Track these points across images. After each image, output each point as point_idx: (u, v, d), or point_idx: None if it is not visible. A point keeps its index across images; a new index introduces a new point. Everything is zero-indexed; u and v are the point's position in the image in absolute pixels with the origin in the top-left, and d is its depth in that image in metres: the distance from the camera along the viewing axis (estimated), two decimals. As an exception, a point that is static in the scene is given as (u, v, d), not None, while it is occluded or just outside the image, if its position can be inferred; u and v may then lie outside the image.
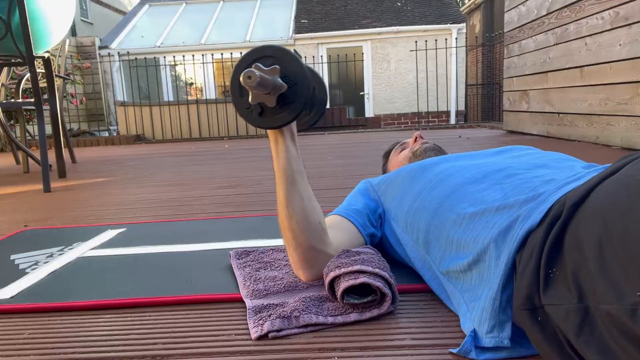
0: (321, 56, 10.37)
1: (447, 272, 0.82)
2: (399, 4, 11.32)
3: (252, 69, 0.79)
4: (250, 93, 0.83)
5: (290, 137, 0.91)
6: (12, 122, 5.98)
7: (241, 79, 0.79)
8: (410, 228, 0.95)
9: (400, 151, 1.38)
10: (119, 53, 9.92)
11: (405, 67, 10.26)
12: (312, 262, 0.92)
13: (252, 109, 0.86)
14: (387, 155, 1.45)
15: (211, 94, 10.32)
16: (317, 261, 0.92)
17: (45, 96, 3.21)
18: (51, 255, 1.29)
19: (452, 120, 9.96)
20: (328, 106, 10.12)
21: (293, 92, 0.84)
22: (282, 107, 0.85)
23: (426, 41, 8.72)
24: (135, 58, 8.54)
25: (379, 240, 1.09)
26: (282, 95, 0.84)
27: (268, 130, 0.90)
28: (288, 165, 0.90)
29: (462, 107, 10.33)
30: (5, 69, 3.81)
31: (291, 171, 0.90)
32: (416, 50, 8.83)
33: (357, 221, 1.04)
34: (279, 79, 0.83)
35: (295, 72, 0.84)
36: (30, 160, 3.55)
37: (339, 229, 1.01)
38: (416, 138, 1.37)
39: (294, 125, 0.92)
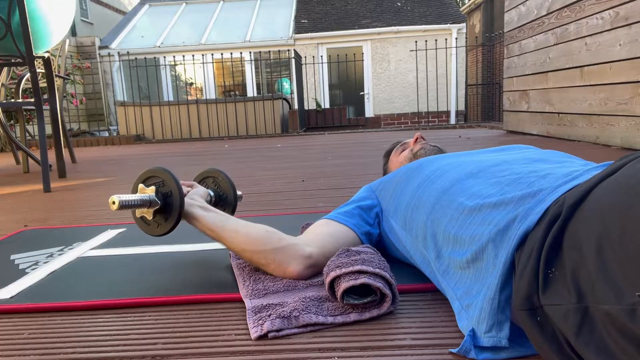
0: (321, 56, 10.38)
1: (441, 268, 0.82)
2: (399, 4, 11.32)
3: (113, 196, 0.96)
4: (147, 216, 1.03)
5: (200, 209, 1.04)
6: (12, 122, 5.98)
7: (109, 202, 0.97)
8: (408, 224, 0.95)
9: (401, 151, 1.39)
10: (119, 53, 9.92)
11: (405, 67, 10.26)
12: (286, 258, 0.96)
13: (158, 224, 1.04)
14: (387, 155, 1.45)
15: (211, 94, 10.32)
16: (290, 255, 0.96)
17: (45, 96, 3.21)
18: (51, 255, 1.29)
19: (452, 120, 9.96)
20: (328, 106, 10.10)
21: (167, 204, 1.02)
22: (170, 205, 1.02)
23: (426, 41, 8.73)
24: (135, 58, 8.54)
25: (379, 238, 1.09)
26: (159, 209, 1.02)
27: (184, 221, 1.05)
28: (212, 223, 1.02)
29: (462, 107, 10.34)
30: (5, 69, 3.81)
31: (216, 224, 1.02)
32: (416, 50, 8.83)
33: (346, 221, 1.06)
34: (153, 197, 1.00)
35: (169, 186, 1.02)
36: (30, 160, 3.55)
37: (316, 226, 1.06)
38: (417, 139, 1.37)
39: (199, 202, 1.06)
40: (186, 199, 1.04)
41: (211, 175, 1.28)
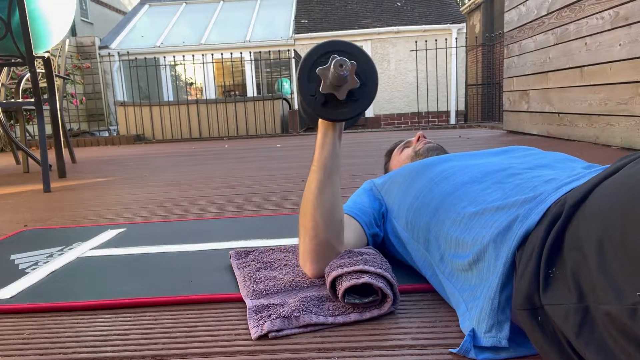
0: (321, 56, 10.35)
1: (446, 271, 0.82)
2: (399, 4, 11.32)
3: (344, 59, 0.80)
4: (322, 82, 0.84)
5: (339, 133, 0.93)
6: (12, 122, 5.98)
7: (332, 67, 0.80)
8: (411, 226, 0.95)
9: (403, 150, 1.38)
10: (119, 53, 9.92)
11: (405, 67, 10.26)
12: (323, 256, 0.93)
13: (317, 97, 0.86)
14: (389, 154, 1.45)
15: (211, 94, 10.31)
16: (327, 256, 0.92)
17: (45, 96, 3.21)
18: (51, 255, 1.29)
19: (452, 120, 9.96)
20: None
21: (361, 91, 0.86)
22: (347, 103, 0.87)
23: (426, 41, 8.72)
24: (135, 58, 8.54)
25: (382, 239, 1.09)
26: (351, 92, 0.86)
27: (321, 121, 0.91)
28: (330, 159, 0.91)
29: (462, 107, 10.33)
30: (5, 69, 3.81)
31: (331, 165, 0.92)
32: (416, 50, 8.83)
33: (363, 220, 1.05)
34: (354, 76, 0.84)
35: (367, 72, 0.86)
36: (30, 160, 3.55)
37: (348, 228, 1.02)
38: (419, 137, 1.37)
39: (343, 123, 0.93)
40: None
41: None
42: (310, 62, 0.86)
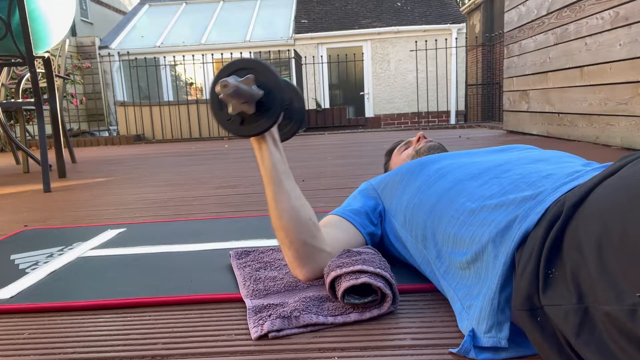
0: (321, 56, 10.37)
1: (441, 268, 0.82)
2: (399, 4, 11.32)
3: (226, 79, 0.84)
4: (229, 105, 0.88)
5: (272, 141, 0.95)
6: (12, 122, 5.98)
7: (217, 88, 0.85)
8: (409, 224, 0.95)
9: (404, 150, 1.38)
10: (119, 53, 9.92)
11: (405, 67, 10.26)
12: (307, 259, 0.93)
13: (233, 120, 0.91)
14: (389, 153, 1.45)
15: (211, 94, 10.30)
16: (312, 258, 0.92)
17: (45, 96, 3.21)
18: (51, 255, 1.29)
19: (452, 120, 9.96)
20: (328, 106, 10.09)
21: (269, 98, 0.89)
22: (261, 114, 0.89)
23: (426, 41, 8.73)
24: (135, 58, 8.54)
25: (380, 238, 1.09)
26: (260, 103, 0.89)
27: (251, 138, 0.94)
28: (273, 168, 0.93)
29: (462, 107, 10.34)
30: (5, 69, 3.81)
31: (277, 173, 0.93)
32: (416, 50, 8.83)
33: (355, 220, 1.04)
34: (255, 87, 0.88)
35: (268, 80, 0.89)
36: (30, 160, 3.55)
37: (334, 227, 1.02)
38: (419, 138, 1.37)
39: (275, 131, 0.96)
40: None
41: (289, 92, 1.01)
42: (214, 93, 0.89)
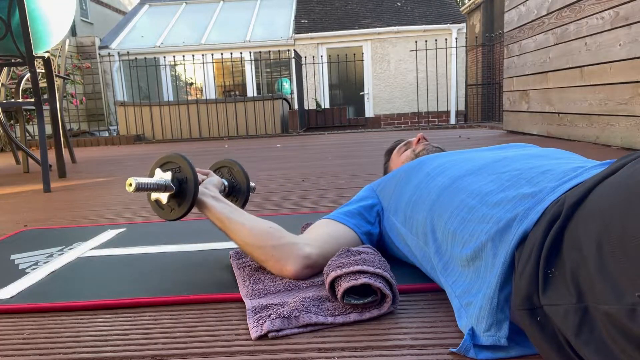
0: (321, 56, 10.37)
1: (439, 265, 0.82)
2: (399, 4, 11.32)
3: (130, 178, 0.97)
4: (161, 200, 1.05)
5: (212, 199, 1.05)
6: (12, 122, 5.98)
7: (126, 184, 0.98)
8: (409, 221, 0.95)
9: (404, 151, 1.38)
10: (119, 53, 9.92)
11: (405, 67, 10.26)
12: (284, 256, 0.96)
13: (172, 208, 1.05)
14: (389, 153, 1.45)
15: (211, 94, 10.32)
16: (288, 253, 0.96)
17: (45, 96, 3.21)
18: (51, 255, 1.29)
19: (452, 120, 9.96)
20: (328, 106, 10.08)
21: (182, 190, 1.03)
22: (184, 190, 1.03)
23: (426, 41, 8.72)
24: (135, 58, 8.54)
25: (379, 237, 1.09)
26: (173, 194, 1.04)
27: (196, 209, 1.06)
28: (220, 214, 1.03)
29: (462, 107, 10.34)
30: (5, 69, 3.81)
31: (224, 215, 1.02)
32: (416, 50, 8.83)
33: (347, 221, 1.06)
34: (169, 182, 1.02)
35: (186, 172, 1.04)
36: (30, 160, 3.55)
37: (317, 226, 1.06)
38: (419, 139, 1.37)
39: (212, 192, 1.08)
40: (200, 187, 1.06)
41: (226, 166, 1.31)
42: (148, 199, 1.08)
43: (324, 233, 1.02)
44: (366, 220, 1.07)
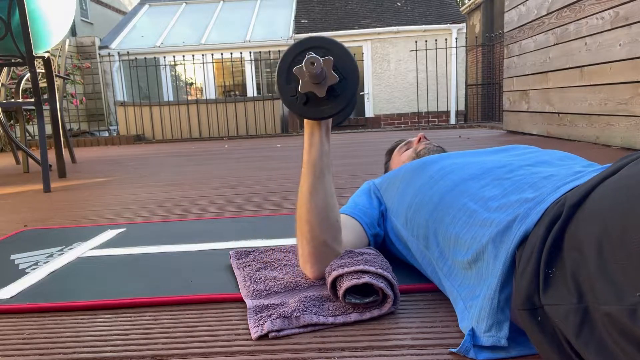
0: (321, 56, 10.35)
1: (444, 268, 0.82)
2: (399, 4, 11.32)
3: (316, 56, 0.77)
4: (300, 81, 0.82)
5: (325, 131, 0.91)
6: (12, 122, 5.98)
7: (304, 64, 0.78)
8: (410, 224, 0.95)
9: (405, 150, 1.38)
10: (119, 53, 9.91)
11: (405, 67, 10.25)
12: (322, 258, 0.92)
13: (298, 97, 0.85)
14: (390, 153, 1.45)
15: (211, 94, 10.31)
16: (326, 258, 0.92)
17: (45, 96, 3.21)
18: (51, 255, 1.29)
19: (452, 120, 9.96)
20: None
21: (342, 85, 0.84)
22: (328, 99, 0.84)
23: (426, 41, 8.72)
24: (135, 58, 8.54)
25: (382, 239, 1.09)
26: (331, 88, 0.83)
27: (306, 121, 0.89)
28: (319, 159, 0.90)
29: (462, 107, 10.33)
30: (5, 69, 3.81)
31: (321, 165, 0.90)
32: (416, 50, 8.83)
33: (364, 221, 1.04)
34: (333, 72, 0.82)
35: (346, 66, 0.84)
36: (30, 160, 3.55)
37: (347, 228, 1.01)
38: (420, 138, 1.37)
39: (330, 121, 0.91)
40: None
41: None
42: (287, 63, 0.84)
43: (353, 244, 0.98)
44: (376, 222, 1.07)
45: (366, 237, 1.03)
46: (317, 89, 0.82)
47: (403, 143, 1.42)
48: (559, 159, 0.90)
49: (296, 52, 0.85)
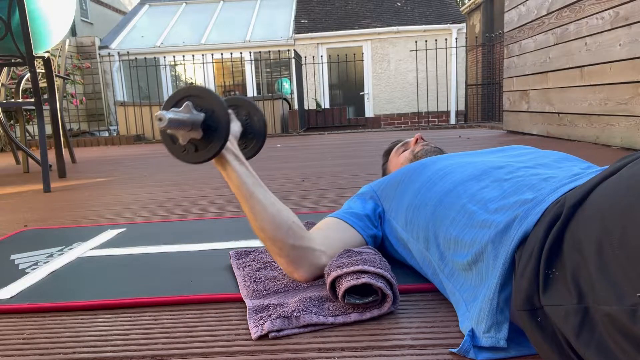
0: (321, 56, 10.37)
1: (446, 270, 0.82)
2: (399, 4, 11.32)
3: (160, 112, 0.83)
4: (178, 136, 0.89)
5: (234, 157, 0.93)
6: (12, 122, 5.98)
7: (156, 124, 0.85)
8: (409, 225, 0.95)
9: (402, 152, 1.38)
10: (119, 53, 9.92)
11: (405, 67, 10.26)
12: (300, 260, 0.92)
13: (187, 150, 0.91)
14: (387, 154, 1.45)
15: (211, 94, 10.29)
16: (305, 258, 0.92)
17: (45, 96, 3.21)
18: (51, 255, 1.29)
19: (452, 120, 9.96)
20: (328, 106, 10.07)
21: (213, 118, 0.88)
22: (210, 137, 0.89)
23: (426, 41, 8.73)
24: (135, 58, 8.54)
25: (382, 240, 1.09)
26: (207, 125, 0.89)
27: (213, 162, 0.93)
28: (242, 184, 0.92)
29: (462, 107, 10.34)
30: (5, 69, 3.81)
31: (246, 187, 0.92)
32: (416, 50, 8.83)
33: (355, 223, 1.04)
34: (195, 112, 0.88)
35: (206, 101, 0.89)
36: (30, 160, 3.55)
37: (330, 229, 1.02)
38: (417, 139, 1.36)
39: (234, 148, 0.95)
40: None
41: (243, 107, 1.08)
42: (164, 130, 0.90)
43: (338, 240, 0.99)
44: (372, 223, 1.07)
45: (360, 237, 1.03)
46: (193, 134, 0.88)
47: (400, 144, 1.41)
48: (557, 160, 0.90)
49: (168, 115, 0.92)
